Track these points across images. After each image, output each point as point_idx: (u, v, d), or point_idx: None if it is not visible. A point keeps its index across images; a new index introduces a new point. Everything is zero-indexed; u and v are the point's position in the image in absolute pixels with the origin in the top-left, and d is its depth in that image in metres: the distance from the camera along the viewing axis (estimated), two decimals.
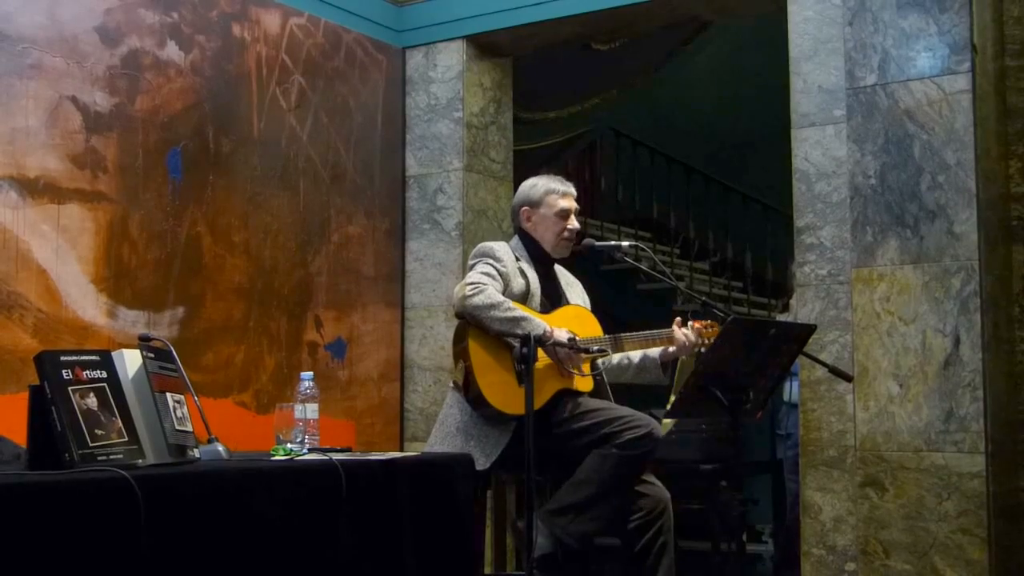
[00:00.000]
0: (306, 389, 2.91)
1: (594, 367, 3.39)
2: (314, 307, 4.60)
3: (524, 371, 2.91)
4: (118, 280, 3.88)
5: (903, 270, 3.88)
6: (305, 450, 2.80)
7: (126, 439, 2.30)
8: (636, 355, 3.44)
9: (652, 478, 3.36)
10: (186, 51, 4.17)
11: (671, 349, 3.37)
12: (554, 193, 3.47)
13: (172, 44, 4.12)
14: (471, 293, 3.22)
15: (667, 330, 3.37)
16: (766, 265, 8.00)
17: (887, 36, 3.96)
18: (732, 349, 2.92)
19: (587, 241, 3.47)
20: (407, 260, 5.02)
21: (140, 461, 2.31)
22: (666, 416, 3.23)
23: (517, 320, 3.19)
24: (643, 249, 3.63)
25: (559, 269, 3.58)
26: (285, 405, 2.92)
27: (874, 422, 3.91)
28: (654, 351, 3.41)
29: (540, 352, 3.17)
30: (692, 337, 3.35)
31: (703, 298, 3.48)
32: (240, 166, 4.35)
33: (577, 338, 3.24)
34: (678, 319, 3.39)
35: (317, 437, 2.90)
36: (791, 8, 4.17)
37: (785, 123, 4.16)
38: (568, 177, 3.60)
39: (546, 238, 3.47)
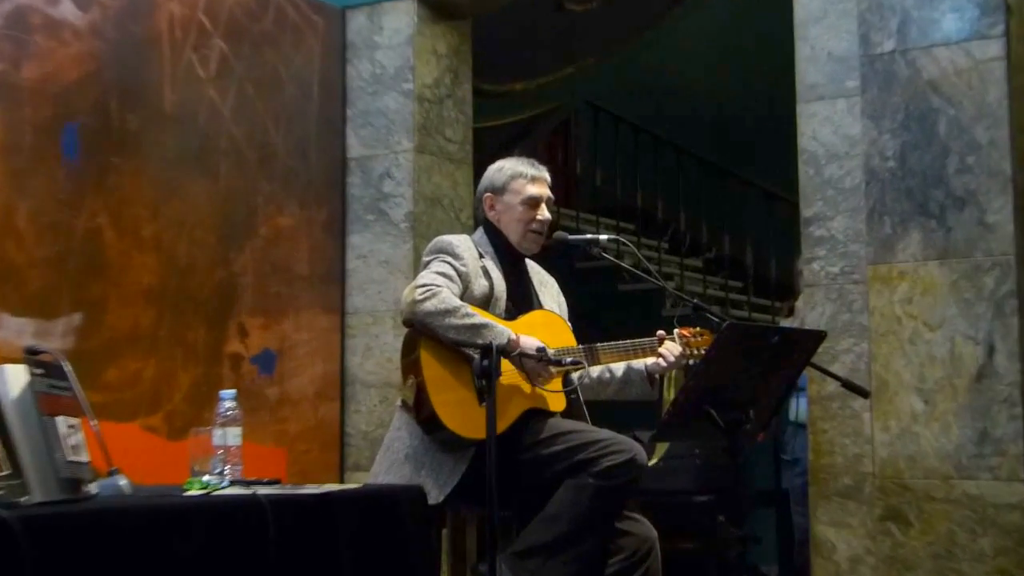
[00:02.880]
0: (227, 410, 2.94)
1: (567, 382, 3.41)
2: (238, 313, 4.61)
3: (485, 387, 2.91)
4: (2, 282, 3.86)
5: (927, 267, 3.91)
6: (226, 483, 2.81)
7: (6, 472, 2.24)
8: (619, 368, 3.48)
9: (636, 514, 3.36)
10: (84, 9, 4.14)
11: (654, 362, 3.43)
12: (521, 178, 3.49)
13: (67, 1, 4.08)
14: (422, 297, 3.23)
15: (649, 340, 3.41)
16: (769, 262, 8.03)
17: None
18: (728, 360, 2.94)
19: (559, 234, 3.48)
20: (348, 257, 5.01)
21: (24, 499, 2.24)
22: (653, 439, 3.33)
23: (476, 328, 3.21)
24: (625, 243, 3.63)
25: (532, 266, 3.61)
26: (202, 429, 2.93)
27: (895, 445, 3.93)
28: (639, 363, 3.45)
29: (505, 365, 3.19)
30: (678, 348, 3.40)
31: (694, 300, 3.49)
32: (149, 146, 4.34)
33: (548, 349, 3.24)
34: (660, 332, 3.41)
35: (240, 467, 2.92)
36: None
37: (790, 96, 4.19)
38: (538, 160, 3.61)
39: (511, 230, 3.50)
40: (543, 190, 3.50)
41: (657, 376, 3.45)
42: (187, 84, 4.47)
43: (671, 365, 3.40)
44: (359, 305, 5.02)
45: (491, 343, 2.98)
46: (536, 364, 3.25)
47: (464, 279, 3.35)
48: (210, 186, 4.54)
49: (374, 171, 5.01)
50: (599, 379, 3.51)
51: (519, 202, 3.48)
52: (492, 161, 3.61)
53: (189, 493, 2.69)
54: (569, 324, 3.53)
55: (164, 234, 4.37)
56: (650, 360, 3.44)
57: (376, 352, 4.97)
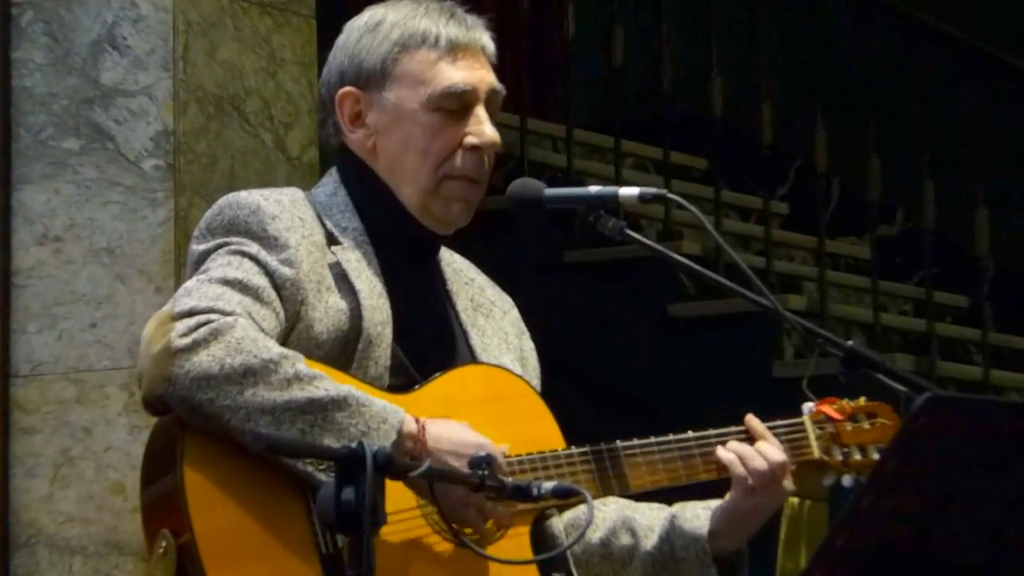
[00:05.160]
0: None
1: (542, 537, 3.04)
2: None
3: (346, 555, 2.59)
4: None
5: None
6: None
7: None
8: (653, 523, 3.14)
9: None
10: None
11: (743, 492, 3.09)
12: (426, 45, 3.08)
13: None
14: (186, 342, 2.83)
15: (739, 429, 3.14)
16: None
17: None
18: (930, 478, 2.59)
19: (523, 184, 3.08)
20: (18, 240, 4.59)
21: None
22: None
23: (322, 410, 2.84)
24: (682, 205, 3.20)
25: (454, 263, 3.27)
26: None
27: None
28: (699, 508, 3.14)
29: (398, 500, 2.80)
30: (811, 447, 3.16)
31: (849, 343, 3.02)
32: None
33: (497, 456, 2.91)
34: (752, 425, 3.15)
35: None
36: None
37: None
38: (478, 8, 3.21)
39: (404, 175, 3.08)
40: (480, 74, 3.09)
41: (746, 523, 3.13)
42: None
43: (786, 491, 3.10)
44: (43, 356, 4.53)
45: (362, 445, 2.54)
46: (470, 496, 2.87)
47: (289, 294, 2.97)
48: None
49: (79, 30, 4.54)
50: (602, 548, 3.15)
51: (422, 104, 3.06)
52: (358, 9, 3.21)
53: None
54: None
55: None
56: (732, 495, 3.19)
57: (86, 470, 4.51)
